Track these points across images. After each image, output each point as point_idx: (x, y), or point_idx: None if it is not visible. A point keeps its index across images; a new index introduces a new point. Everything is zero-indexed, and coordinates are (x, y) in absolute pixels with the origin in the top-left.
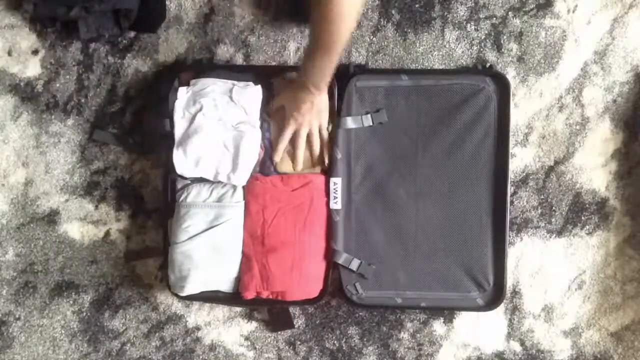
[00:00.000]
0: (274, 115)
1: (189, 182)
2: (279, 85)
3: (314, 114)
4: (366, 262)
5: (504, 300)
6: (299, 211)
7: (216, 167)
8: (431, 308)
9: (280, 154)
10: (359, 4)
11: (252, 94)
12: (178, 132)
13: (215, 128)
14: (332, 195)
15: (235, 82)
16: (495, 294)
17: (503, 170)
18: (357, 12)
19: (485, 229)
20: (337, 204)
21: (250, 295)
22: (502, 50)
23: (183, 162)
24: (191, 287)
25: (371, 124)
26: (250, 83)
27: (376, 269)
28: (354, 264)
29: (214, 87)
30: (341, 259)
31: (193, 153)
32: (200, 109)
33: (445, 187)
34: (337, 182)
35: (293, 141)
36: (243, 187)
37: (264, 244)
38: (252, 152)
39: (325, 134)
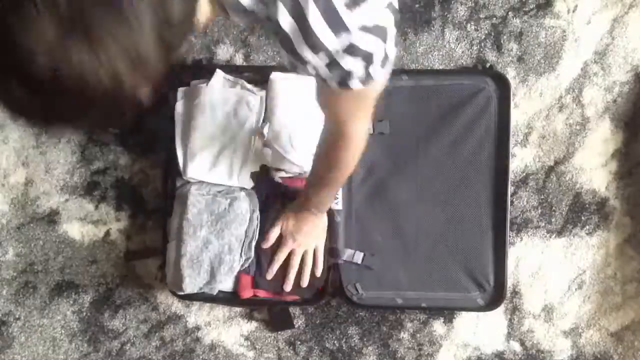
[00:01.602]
0: (271, 229)
1: (189, 180)
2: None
3: (313, 235)
4: (366, 259)
5: (504, 300)
6: None
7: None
8: (432, 308)
9: (273, 274)
10: (362, 149)
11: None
12: (178, 133)
13: (215, 128)
14: None
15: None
16: (496, 294)
17: (503, 170)
18: (359, 155)
19: (486, 229)
20: (338, 204)
21: (247, 294)
22: (502, 50)
23: (188, 164)
24: (189, 285)
25: (371, 132)
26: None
27: (376, 269)
28: (358, 257)
29: (213, 88)
30: (345, 255)
31: (197, 154)
32: (200, 110)
33: (446, 187)
34: None
35: (287, 259)
36: (242, 188)
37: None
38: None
39: (321, 257)
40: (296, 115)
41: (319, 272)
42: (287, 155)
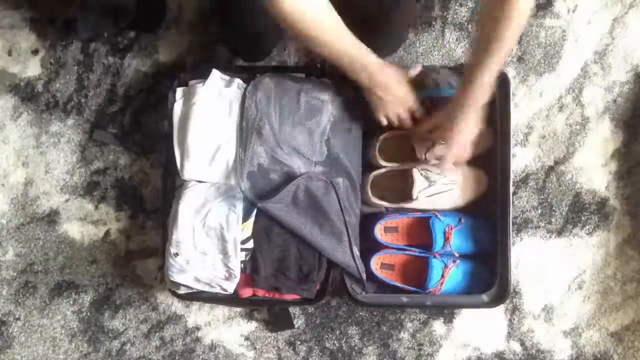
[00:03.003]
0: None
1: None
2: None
3: (473, 129)
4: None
5: (504, 302)
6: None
7: (224, 167)
8: (437, 306)
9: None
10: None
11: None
12: (176, 133)
13: (212, 127)
14: None
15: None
16: (500, 290)
17: (505, 166)
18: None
19: (490, 227)
20: None
21: (246, 293)
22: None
23: (185, 164)
24: (186, 281)
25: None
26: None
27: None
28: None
29: (209, 87)
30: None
31: (194, 153)
32: (197, 110)
33: (448, 182)
34: (338, 183)
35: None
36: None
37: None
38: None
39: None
40: (281, 115)
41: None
42: (274, 153)
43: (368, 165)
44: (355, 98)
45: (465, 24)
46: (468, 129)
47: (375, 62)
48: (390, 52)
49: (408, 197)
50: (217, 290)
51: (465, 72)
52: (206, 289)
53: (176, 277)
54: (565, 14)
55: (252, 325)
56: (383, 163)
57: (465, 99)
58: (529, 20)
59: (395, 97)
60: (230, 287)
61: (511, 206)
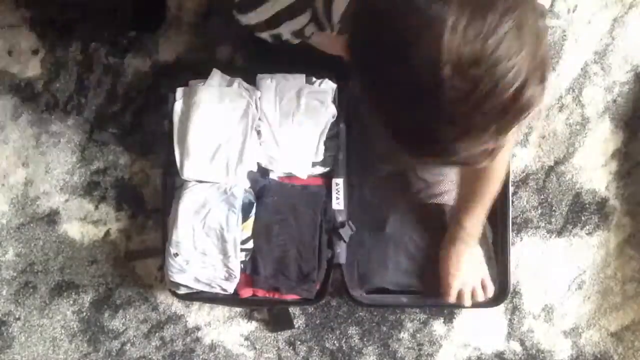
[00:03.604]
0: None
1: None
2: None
3: (474, 271)
4: (369, 259)
5: (509, 295)
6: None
7: (224, 166)
8: (437, 306)
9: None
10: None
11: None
12: (176, 132)
13: (211, 127)
14: (334, 196)
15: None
16: (500, 289)
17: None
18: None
19: (490, 226)
20: (339, 204)
21: (246, 293)
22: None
23: (185, 163)
24: (186, 281)
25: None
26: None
27: (379, 269)
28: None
29: (209, 87)
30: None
31: (193, 153)
32: (197, 109)
33: (448, 183)
34: (339, 183)
35: (458, 298)
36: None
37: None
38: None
39: (490, 286)
40: (281, 115)
41: (490, 295)
42: (272, 154)
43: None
44: (355, 97)
45: None
46: (449, 266)
47: None
48: None
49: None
50: (217, 290)
51: (450, 215)
52: (206, 289)
53: (176, 277)
54: (565, 14)
55: (252, 325)
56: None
57: (449, 237)
58: None
59: (480, 264)
60: (230, 288)
61: (510, 206)
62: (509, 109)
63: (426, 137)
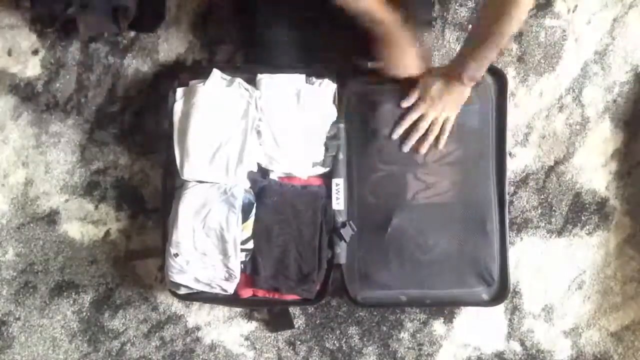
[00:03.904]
0: (403, 81)
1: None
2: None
3: (452, 106)
4: (369, 259)
5: (509, 295)
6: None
7: (224, 167)
8: (436, 304)
9: (398, 135)
10: None
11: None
12: (177, 133)
13: (212, 127)
14: (334, 196)
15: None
16: (500, 288)
17: (501, 165)
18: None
19: (489, 224)
20: (339, 204)
21: (246, 293)
22: (502, 50)
23: (185, 163)
24: (186, 281)
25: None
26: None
27: (380, 268)
28: (359, 256)
29: (209, 87)
30: (346, 256)
31: (193, 153)
32: (197, 109)
33: (447, 183)
34: (339, 183)
35: (415, 123)
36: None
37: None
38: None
39: (449, 128)
40: (281, 115)
41: (442, 144)
42: (272, 154)
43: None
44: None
45: (465, 24)
46: (433, 78)
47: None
48: (422, 23)
49: None
50: (217, 290)
51: (455, 56)
52: (206, 289)
53: (176, 277)
54: (565, 14)
55: (252, 325)
56: None
57: (447, 69)
58: (528, 20)
59: (460, 104)
60: (230, 288)
61: (507, 205)
62: None
63: None
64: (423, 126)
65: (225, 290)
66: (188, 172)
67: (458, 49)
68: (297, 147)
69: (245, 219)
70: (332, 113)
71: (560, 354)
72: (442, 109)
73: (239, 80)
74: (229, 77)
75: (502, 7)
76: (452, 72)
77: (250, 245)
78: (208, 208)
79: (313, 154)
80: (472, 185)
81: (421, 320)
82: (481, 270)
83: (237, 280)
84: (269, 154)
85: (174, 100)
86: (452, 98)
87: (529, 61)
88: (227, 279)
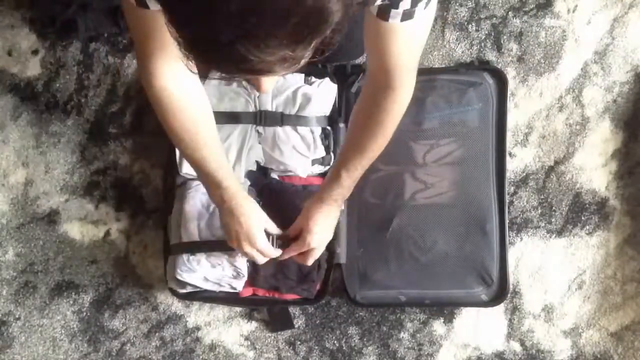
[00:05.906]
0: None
1: (186, 176)
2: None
3: (329, 232)
4: (369, 259)
5: (508, 295)
6: None
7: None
8: (435, 305)
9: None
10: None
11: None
12: None
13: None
14: None
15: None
16: (500, 289)
17: (501, 165)
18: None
19: (489, 224)
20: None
21: (246, 292)
22: (502, 50)
23: (184, 161)
24: (195, 280)
25: None
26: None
27: (379, 268)
28: (359, 256)
29: (209, 85)
30: (346, 256)
31: None
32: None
33: (447, 184)
34: None
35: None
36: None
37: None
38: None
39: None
40: (278, 114)
41: (310, 263)
42: (272, 154)
43: None
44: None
45: (465, 24)
46: (320, 230)
47: (233, 186)
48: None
49: None
50: (227, 289)
51: (330, 169)
52: (215, 288)
53: (185, 276)
54: (565, 14)
55: (252, 325)
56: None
57: (322, 194)
58: (529, 20)
59: (242, 230)
60: (239, 285)
61: (507, 205)
62: (291, 15)
63: (206, 40)
64: (310, 262)
65: (235, 288)
66: (187, 167)
67: (330, 171)
68: (296, 147)
69: None
70: (332, 112)
71: (560, 354)
72: (323, 241)
73: (238, 79)
74: (228, 76)
75: (377, 110)
76: (327, 199)
77: None
78: (212, 207)
79: (312, 153)
80: (472, 185)
81: (421, 321)
82: (480, 271)
83: (244, 278)
84: (269, 154)
85: None
86: (329, 224)
87: (529, 61)
88: (235, 277)
